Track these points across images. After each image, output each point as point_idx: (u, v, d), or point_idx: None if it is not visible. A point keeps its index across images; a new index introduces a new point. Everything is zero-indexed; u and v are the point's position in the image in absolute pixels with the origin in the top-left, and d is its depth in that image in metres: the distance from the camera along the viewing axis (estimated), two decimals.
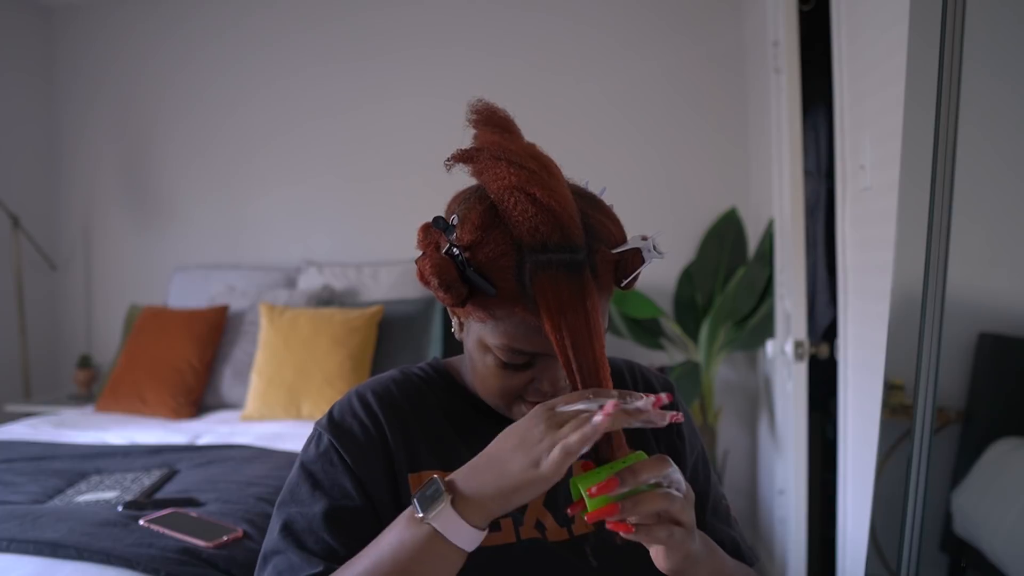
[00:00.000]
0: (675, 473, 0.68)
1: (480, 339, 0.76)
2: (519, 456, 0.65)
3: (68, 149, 3.69)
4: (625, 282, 0.74)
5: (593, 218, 0.73)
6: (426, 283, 0.71)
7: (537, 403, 0.73)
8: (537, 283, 0.69)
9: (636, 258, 0.73)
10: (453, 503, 0.67)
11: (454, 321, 0.82)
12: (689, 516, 0.69)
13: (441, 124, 3.15)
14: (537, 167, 0.70)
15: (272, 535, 0.78)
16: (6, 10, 3.49)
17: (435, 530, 0.66)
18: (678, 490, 0.68)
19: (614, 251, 0.73)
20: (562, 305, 0.69)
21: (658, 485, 0.67)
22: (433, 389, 0.88)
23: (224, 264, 3.42)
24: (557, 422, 0.65)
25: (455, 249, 0.70)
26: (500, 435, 0.69)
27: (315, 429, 0.84)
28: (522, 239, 0.69)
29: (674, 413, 0.68)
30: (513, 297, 0.70)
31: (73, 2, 3.62)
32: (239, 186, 3.48)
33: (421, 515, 0.67)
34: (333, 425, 0.83)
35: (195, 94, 3.52)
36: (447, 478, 0.69)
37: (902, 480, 0.91)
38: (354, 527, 0.77)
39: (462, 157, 0.73)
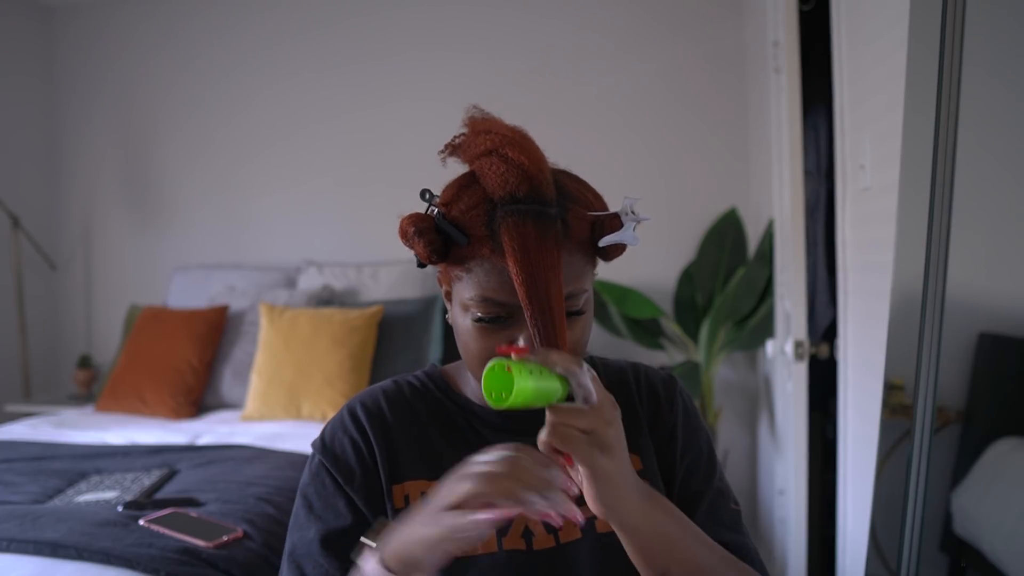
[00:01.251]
0: (586, 381, 0.68)
1: (460, 301, 0.77)
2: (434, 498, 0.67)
3: (68, 149, 3.69)
4: (603, 243, 0.74)
5: (570, 186, 0.76)
6: (404, 236, 0.74)
7: None
8: (504, 226, 0.70)
9: (614, 221, 0.74)
10: (376, 535, 0.71)
11: (448, 306, 0.82)
12: (597, 425, 0.66)
13: (440, 126, 3.13)
14: (512, 134, 0.74)
15: (283, 561, 0.82)
16: (6, 10, 3.49)
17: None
18: (587, 400, 0.67)
19: (591, 213, 0.75)
20: (526, 245, 0.70)
21: (565, 382, 0.68)
22: (424, 397, 0.89)
23: (224, 264, 3.42)
24: (465, 474, 0.66)
25: (433, 208, 0.75)
26: None
27: (312, 449, 0.87)
28: (494, 193, 0.72)
29: (558, 516, 0.64)
30: (482, 241, 0.72)
31: (73, 2, 3.62)
32: (239, 186, 3.48)
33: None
34: (324, 446, 0.85)
35: (195, 95, 3.52)
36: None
37: (902, 480, 0.91)
38: (348, 547, 0.78)
39: (452, 145, 0.77)
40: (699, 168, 3.06)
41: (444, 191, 0.76)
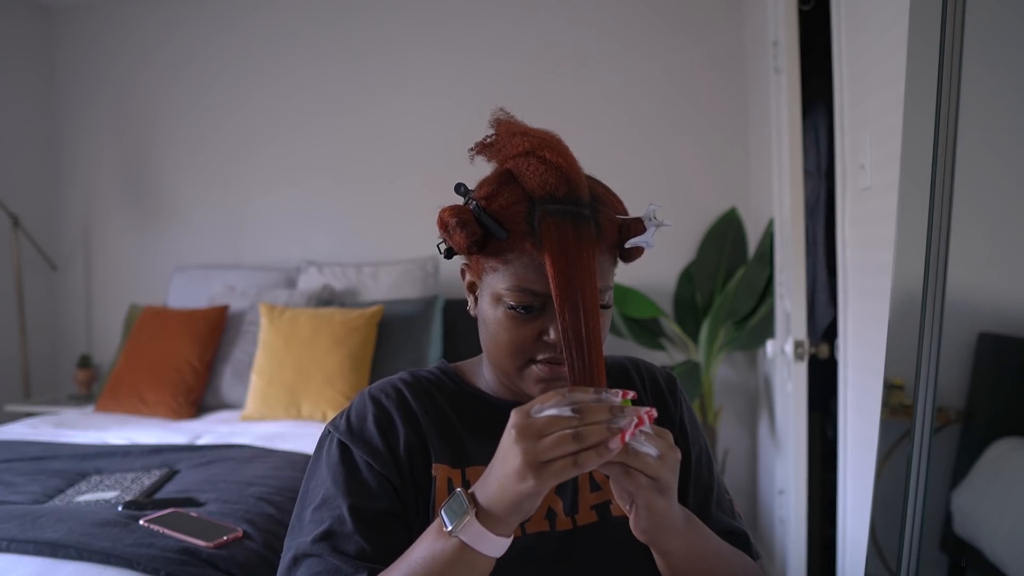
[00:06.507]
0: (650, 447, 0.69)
1: (492, 292, 0.79)
2: (506, 469, 0.66)
3: (68, 149, 3.69)
4: (627, 245, 0.78)
5: (598, 189, 0.80)
6: (444, 227, 0.77)
7: (549, 361, 0.78)
8: (544, 225, 0.74)
9: (638, 225, 0.79)
10: (478, 516, 0.68)
11: (470, 299, 0.86)
12: (663, 473, 0.68)
13: (440, 124, 3.16)
14: (547, 137, 0.78)
15: (300, 537, 0.80)
16: (6, 10, 3.49)
17: (463, 542, 0.68)
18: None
19: (618, 217, 0.79)
20: (565, 246, 0.73)
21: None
22: (442, 389, 0.90)
23: (224, 264, 3.42)
24: (532, 432, 0.65)
25: (472, 201, 0.77)
26: (498, 448, 0.70)
27: (331, 434, 0.86)
28: (533, 192, 0.75)
29: (648, 409, 0.67)
30: (523, 236, 0.75)
31: (73, 2, 3.62)
32: (239, 186, 3.48)
33: (449, 529, 0.69)
34: (351, 429, 0.85)
35: (195, 94, 3.52)
36: (470, 490, 0.70)
37: (902, 480, 0.91)
38: (382, 525, 0.79)
39: (482, 144, 0.80)
40: (699, 168, 3.06)
41: (480, 186, 0.79)
